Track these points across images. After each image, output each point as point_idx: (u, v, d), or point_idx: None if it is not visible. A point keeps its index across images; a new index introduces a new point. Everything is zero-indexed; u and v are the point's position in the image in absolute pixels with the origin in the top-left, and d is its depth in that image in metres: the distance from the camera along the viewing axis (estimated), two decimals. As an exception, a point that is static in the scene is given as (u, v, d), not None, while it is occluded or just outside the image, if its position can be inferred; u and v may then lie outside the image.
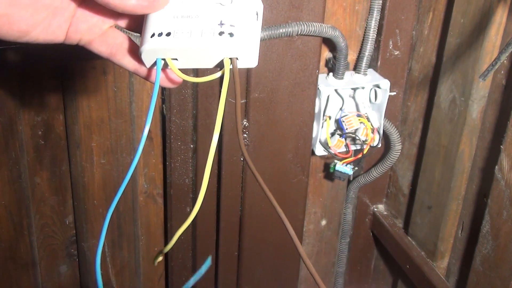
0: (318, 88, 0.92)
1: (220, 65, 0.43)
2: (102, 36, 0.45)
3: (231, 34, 0.41)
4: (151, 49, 0.42)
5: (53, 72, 0.86)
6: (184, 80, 0.44)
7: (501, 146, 0.79)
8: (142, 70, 0.45)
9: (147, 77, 0.45)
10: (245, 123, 0.90)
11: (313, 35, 0.85)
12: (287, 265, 1.08)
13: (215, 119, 0.42)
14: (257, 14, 0.43)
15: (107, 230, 1.05)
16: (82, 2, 0.44)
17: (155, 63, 0.43)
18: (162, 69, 0.43)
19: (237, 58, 0.42)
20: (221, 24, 0.41)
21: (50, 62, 0.84)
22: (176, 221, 1.00)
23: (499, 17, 0.78)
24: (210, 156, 0.41)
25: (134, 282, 1.08)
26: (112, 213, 1.02)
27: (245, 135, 0.91)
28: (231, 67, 0.42)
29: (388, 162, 1.01)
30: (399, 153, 1.00)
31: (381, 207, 1.15)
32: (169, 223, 1.00)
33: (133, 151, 0.95)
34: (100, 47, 0.45)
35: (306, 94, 0.91)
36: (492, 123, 0.85)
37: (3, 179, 0.90)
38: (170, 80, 0.45)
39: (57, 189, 0.95)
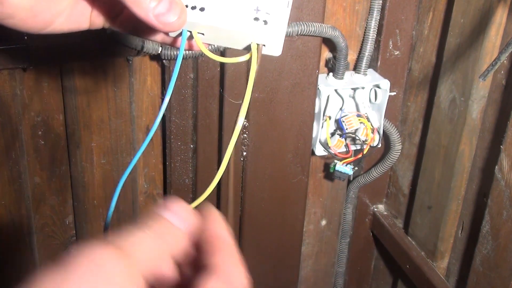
0: (318, 88, 0.92)
1: (247, 48, 0.43)
2: (122, 15, 0.45)
3: (265, 22, 0.41)
4: None
5: (53, 72, 0.86)
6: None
7: (501, 146, 0.79)
8: (168, 39, 0.45)
9: (172, 44, 0.45)
10: (245, 123, 0.90)
11: (313, 35, 0.85)
12: (287, 265, 1.08)
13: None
14: (288, 2, 0.43)
15: (107, 230, 1.05)
16: None
17: (180, 34, 0.43)
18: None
19: (264, 45, 0.42)
20: (257, 10, 0.41)
21: (50, 62, 0.84)
22: (176, 221, 1.00)
23: (499, 17, 0.78)
24: (235, 134, 0.41)
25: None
26: (112, 213, 1.01)
27: (245, 135, 0.91)
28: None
29: (388, 162, 1.01)
30: (399, 153, 1.00)
31: (381, 207, 1.15)
32: (169, 223, 1.00)
33: (133, 151, 0.95)
34: (121, 26, 0.45)
35: (306, 94, 0.91)
36: (492, 123, 0.85)
37: (3, 179, 0.90)
38: (191, 47, 0.45)
39: (57, 189, 0.95)
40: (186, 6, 0.41)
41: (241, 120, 0.41)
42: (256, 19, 0.41)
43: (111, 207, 0.41)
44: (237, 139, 0.95)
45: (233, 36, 0.42)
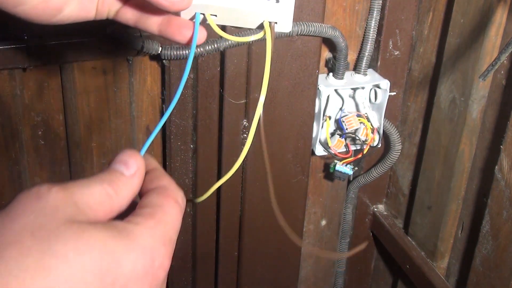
0: (318, 88, 0.92)
1: (258, 27, 0.44)
2: (128, 3, 0.45)
3: (277, 0, 0.43)
4: (194, 4, 0.42)
5: (53, 72, 0.86)
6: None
7: (501, 146, 0.79)
8: (169, 31, 0.44)
9: (173, 36, 0.45)
10: (245, 123, 0.90)
11: (313, 35, 0.85)
12: (287, 265, 1.08)
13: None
14: None
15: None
16: None
17: (193, 17, 0.43)
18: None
19: (276, 23, 0.44)
20: None
21: (50, 62, 0.84)
22: (176, 221, 1.00)
23: (499, 17, 0.78)
24: (256, 114, 0.44)
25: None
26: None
27: (245, 135, 0.91)
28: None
29: (388, 162, 1.01)
30: (399, 153, 1.00)
31: (381, 207, 1.15)
32: (169, 223, 1.00)
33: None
34: (126, 15, 0.45)
35: (306, 94, 0.91)
36: (492, 123, 0.85)
37: (3, 179, 0.90)
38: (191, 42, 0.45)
39: (57, 189, 0.95)
40: None
41: (262, 97, 0.44)
42: None
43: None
44: (237, 139, 0.95)
45: (246, 15, 0.43)
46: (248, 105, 0.89)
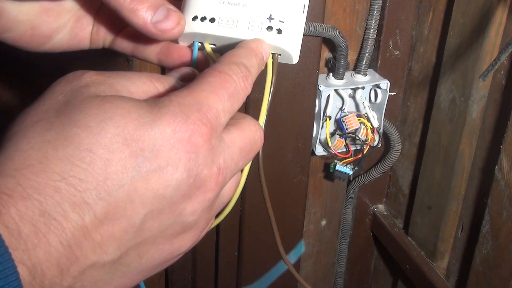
0: (318, 88, 0.92)
1: None
2: (123, 32, 0.44)
3: (279, 31, 0.39)
4: (191, 33, 0.40)
5: (53, 72, 0.86)
6: None
7: (501, 146, 0.79)
8: (169, 60, 0.43)
9: (171, 66, 0.44)
10: (245, 123, 0.90)
11: (313, 35, 0.85)
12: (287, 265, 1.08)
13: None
14: (304, 7, 0.41)
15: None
16: (100, 7, 0.43)
17: (191, 45, 0.42)
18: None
19: (279, 55, 0.41)
20: (271, 18, 0.39)
21: (50, 62, 0.84)
22: (176, 221, 1.00)
23: (499, 17, 0.78)
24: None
25: (134, 282, 1.08)
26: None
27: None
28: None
29: (388, 162, 1.01)
30: (399, 153, 1.00)
31: (381, 207, 1.15)
32: (169, 223, 1.00)
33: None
34: (122, 44, 0.45)
35: (306, 94, 0.91)
36: (492, 123, 0.85)
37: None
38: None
39: (57, 189, 0.95)
40: (196, 17, 0.40)
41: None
42: (270, 28, 0.39)
43: None
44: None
45: None
46: (248, 105, 0.89)
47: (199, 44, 0.41)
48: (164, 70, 0.88)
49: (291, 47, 0.40)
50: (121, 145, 0.28)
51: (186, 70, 0.38)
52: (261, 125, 0.39)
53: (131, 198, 0.28)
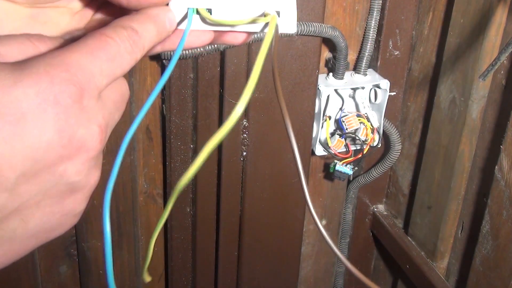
0: (318, 88, 0.92)
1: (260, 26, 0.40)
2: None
3: None
4: None
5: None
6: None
7: (501, 146, 0.79)
8: (167, 45, 0.41)
9: (172, 48, 0.41)
10: (245, 123, 0.90)
11: (313, 35, 0.85)
12: (287, 265, 1.08)
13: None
14: None
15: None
16: (89, 22, 0.42)
17: (183, 18, 0.39)
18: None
19: (278, 15, 0.40)
20: None
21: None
22: (176, 221, 1.00)
23: (499, 17, 0.78)
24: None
25: (134, 282, 1.08)
26: (112, 213, 1.01)
27: (245, 135, 0.91)
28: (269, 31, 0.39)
29: (388, 162, 1.01)
30: (399, 153, 1.00)
31: (381, 207, 1.15)
32: (169, 223, 1.00)
33: (133, 150, 0.95)
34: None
35: (306, 94, 0.91)
36: (492, 123, 0.85)
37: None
38: (190, 44, 0.41)
39: (57, 189, 0.95)
40: None
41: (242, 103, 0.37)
42: None
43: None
44: (237, 139, 0.95)
45: (244, 7, 0.40)
46: (248, 105, 0.89)
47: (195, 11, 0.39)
48: (163, 72, 0.88)
49: (289, 4, 0.39)
50: None
51: (79, 33, 0.36)
52: (248, 94, 0.36)
53: None
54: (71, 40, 0.34)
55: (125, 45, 0.33)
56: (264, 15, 0.40)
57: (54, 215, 0.31)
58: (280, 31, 0.40)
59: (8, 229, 0.29)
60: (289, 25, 0.40)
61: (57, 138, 0.29)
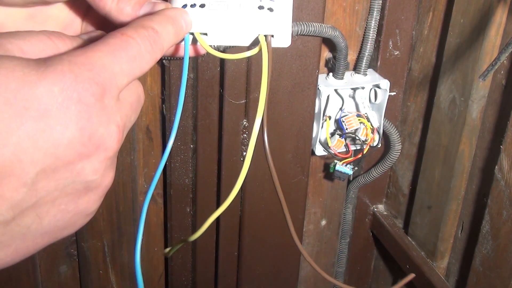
0: (318, 88, 0.92)
1: (253, 43, 0.41)
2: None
3: (270, 9, 0.39)
4: None
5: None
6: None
7: (501, 146, 0.79)
8: (168, 51, 0.42)
9: (173, 54, 0.43)
10: (245, 123, 0.90)
11: (313, 35, 0.85)
12: (287, 265, 1.08)
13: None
14: None
15: (107, 230, 1.05)
16: (87, 13, 0.43)
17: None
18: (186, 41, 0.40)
19: (272, 36, 0.40)
20: None
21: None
22: (176, 221, 1.00)
23: (499, 17, 0.78)
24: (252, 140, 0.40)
25: (134, 282, 1.08)
26: (112, 213, 1.01)
27: (245, 135, 0.91)
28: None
29: (388, 162, 1.01)
30: (399, 153, 1.00)
31: (381, 207, 1.15)
32: (169, 223, 1.00)
33: (133, 151, 0.95)
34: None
35: (306, 94, 0.91)
36: (492, 123, 0.85)
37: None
38: (196, 52, 0.43)
39: (57, 189, 0.95)
40: (185, 5, 0.39)
41: (258, 120, 0.41)
42: (261, 7, 0.39)
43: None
44: (237, 139, 0.95)
45: (238, 30, 0.40)
46: (248, 105, 0.89)
47: (191, 35, 0.40)
48: (163, 72, 0.88)
49: (284, 26, 0.40)
50: (3, 105, 0.27)
51: (97, 33, 0.37)
52: (261, 114, 0.38)
53: (18, 158, 0.27)
54: (88, 40, 0.34)
55: (145, 45, 0.33)
56: (258, 40, 0.40)
57: (68, 213, 0.32)
58: (273, 46, 0.41)
59: (23, 224, 0.29)
60: (283, 41, 0.41)
61: (78, 135, 0.29)
